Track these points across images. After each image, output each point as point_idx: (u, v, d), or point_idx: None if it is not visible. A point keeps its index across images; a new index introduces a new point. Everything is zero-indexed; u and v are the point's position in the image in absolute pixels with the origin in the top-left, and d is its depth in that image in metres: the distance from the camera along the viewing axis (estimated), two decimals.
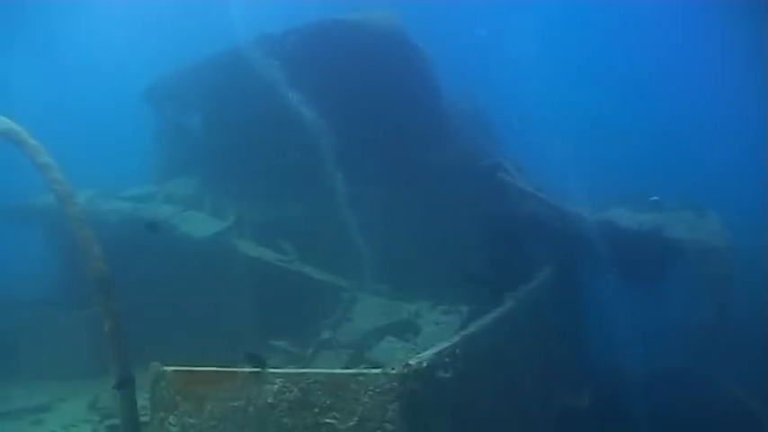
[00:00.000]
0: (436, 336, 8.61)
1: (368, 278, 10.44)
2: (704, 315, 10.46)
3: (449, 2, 18.29)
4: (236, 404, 5.03)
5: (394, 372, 4.75)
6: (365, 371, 4.88)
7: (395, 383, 4.73)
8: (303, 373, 4.94)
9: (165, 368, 5.33)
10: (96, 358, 10.49)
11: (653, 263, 10.73)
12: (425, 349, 8.14)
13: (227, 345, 10.05)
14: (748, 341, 10.69)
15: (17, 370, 10.40)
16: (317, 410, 4.81)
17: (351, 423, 4.65)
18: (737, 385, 10.76)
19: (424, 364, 5.02)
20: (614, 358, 11.38)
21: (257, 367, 5.01)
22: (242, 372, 5.09)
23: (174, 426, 5.18)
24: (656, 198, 11.63)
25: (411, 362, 4.95)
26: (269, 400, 4.94)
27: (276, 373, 4.98)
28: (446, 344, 5.52)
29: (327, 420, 4.72)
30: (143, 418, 6.13)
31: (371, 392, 4.74)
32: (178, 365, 5.36)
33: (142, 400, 8.42)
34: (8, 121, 6.45)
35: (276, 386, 4.94)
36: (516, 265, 10.11)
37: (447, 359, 5.37)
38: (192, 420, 5.12)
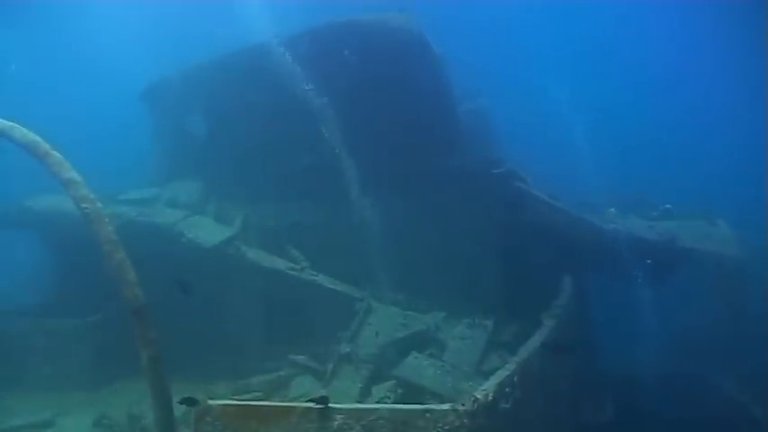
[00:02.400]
0: (463, 351, 8.47)
1: (384, 287, 10.20)
2: (718, 322, 10.52)
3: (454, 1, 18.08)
4: None
5: (464, 408, 4.57)
6: (433, 407, 4.68)
7: (465, 420, 4.57)
8: (366, 408, 4.72)
9: (212, 402, 5.03)
10: (99, 369, 10.30)
11: (667, 272, 10.72)
12: (453, 366, 8.11)
13: (236, 357, 9.88)
14: (754, 342, 10.73)
15: (17, 381, 9.91)
16: None
17: None
18: (745, 390, 10.84)
19: (490, 397, 4.84)
20: (628, 365, 11.40)
21: (319, 404, 4.74)
22: (298, 407, 4.82)
23: None
24: (668, 206, 11.64)
25: (478, 395, 4.76)
26: None
27: (337, 408, 4.72)
28: (505, 372, 5.35)
29: None
30: None
31: (440, 429, 4.55)
32: (227, 399, 5.07)
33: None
34: (29, 132, 6.02)
35: (336, 422, 4.70)
36: (532, 273, 10.03)
37: (507, 389, 5.20)
38: None
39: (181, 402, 5.11)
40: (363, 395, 8.00)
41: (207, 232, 10.81)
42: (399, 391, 7.77)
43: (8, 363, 10.01)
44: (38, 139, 6.02)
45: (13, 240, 12.92)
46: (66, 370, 10.27)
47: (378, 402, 7.46)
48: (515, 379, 5.40)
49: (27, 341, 10.45)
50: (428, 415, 4.59)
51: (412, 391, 7.66)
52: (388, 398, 7.62)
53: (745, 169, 14.93)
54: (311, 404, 4.78)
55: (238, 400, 7.48)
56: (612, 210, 11.22)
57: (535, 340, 6.51)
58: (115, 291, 5.75)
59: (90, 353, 10.45)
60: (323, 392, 5.09)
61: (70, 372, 10.24)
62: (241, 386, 9.36)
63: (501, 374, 5.37)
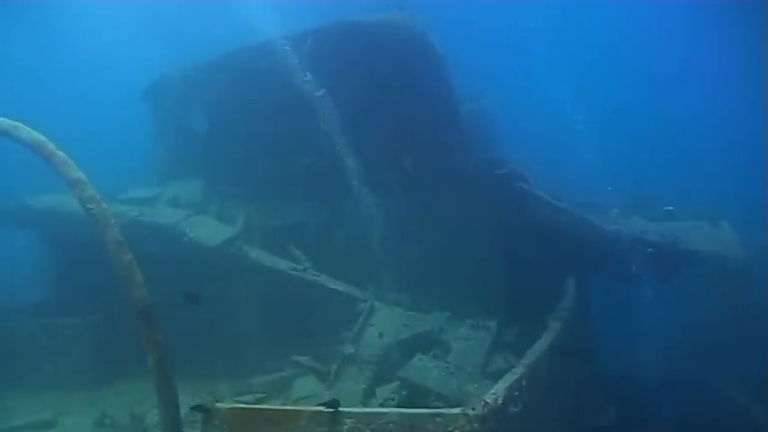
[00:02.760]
0: (468, 353, 8.44)
1: (387, 288, 10.18)
2: (721, 323, 10.53)
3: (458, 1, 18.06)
4: None
5: (474, 412, 4.54)
6: (443, 411, 4.65)
7: (475, 424, 4.54)
8: (376, 412, 4.69)
9: (219, 405, 4.99)
10: (100, 368, 10.26)
11: (670, 273, 10.74)
12: (458, 368, 8.08)
13: (238, 357, 9.84)
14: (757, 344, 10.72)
15: (17, 381, 9.85)
16: None
17: None
18: (748, 392, 10.85)
19: (500, 401, 4.82)
20: (630, 366, 11.41)
21: (329, 408, 4.71)
22: (307, 410, 4.78)
23: None
24: (670, 208, 11.65)
25: (488, 399, 4.74)
26: None
27: (346, 412, 4.69)
28: (514, 376, 5.33)
29: None
30: None
31: None
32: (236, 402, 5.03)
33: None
34: (34, 131, 5.96)
35: (345, 426, 4.66)
36: (534, 274, 10.02)
37: (516, 393, 5.18)
38: None
39: (193, 409, 5.06)
40: (367, 396, 7.97)
41: (209, 232, 10.75)
42: (404, 392, 7.74)
43: (9, 362, 9.96)
44: (43, 138, 5.96)
45: (14, 239, 12.85)
46: (67, 369, 10.24)
47: (382, 404, 7.45)
48: (524, 382, 5.39)
49: (28, 340, 10.40)
50: (438, 419, 4.56)
51: (416, 393, 7.63)
52: (393, 399, 7.60)
53: (748, 170, 14.93)
54: (321, 408, 4.75)
55: (244, 402, 7.47)
56: (615, 210, 11.23)
57: (542, 343, 6.49)
58: (119, 291, 5.71)
59: (91, 352, 10.41)
60: (332, 396, 5.03)
61: (71, 371, 10.20)
62: (243, 386, 9.31)
63: (510, 378, 5.35)
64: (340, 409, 4.71)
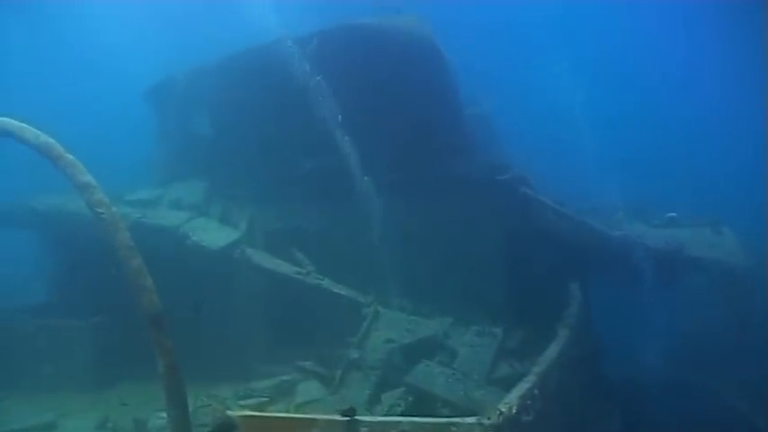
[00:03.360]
0: (473, 359, 8.42)
1: (390, 292, 10.15)
2: (724, 330, 10.55)
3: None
4: None
5: (490, 421, 4.52)
6: (457, 420, 4.62)
7: None
8: (390, 421, 4.65)
9: (230, 413, 4.95)
10: (102, 371, 10.19)
11: (673, 279, 10.75)
12: (464, 374, 8.06)
13: (241, 360, 9.80)
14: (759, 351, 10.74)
15: (18, 383, 9.76)
16: None
17: None
18: (750, 399, 10.87)
19: (514, 410, 4.80)
20: (632, 372, 11.42)
21: (345, 416, 4.67)
22: (321, 419, 4.74)
23: None
24: (672, 214, 11.68)
25: (502, 408, 4.71)
26: None
27: (360, 420, 4.66)
28: (526, 385, 5.31)
29: None
30: None
31: None
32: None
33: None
34: (42, 133, 5.87)
35: None
36: (538, 279, 10.02)
37: (529, 402, 5.16)
38: None
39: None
40: (372, 402, 7.93)
41: (212, 235, 10.68)
42: (410, 398, 7.70)
43: (10, 363, 9.88)
44: (51, 140, 5.87)
45: (16, 240, 12.77)
46: (68, 371, 10.16)
47: (388, 410, 7.41)
48: (536, 391, 5.37)
49: (29, 342, 10.33)
50: (453, 428, 4.53)
51: (423, 399, 7.60)
52: (399, 405, 7.56)
53: (750, 176, 14.99)
54: (335, 416, 4.72)
55: (246, 406, 7.42)
56: (620, 213, 11.24)
57: (552, 351, 6.47)
58: (122, 293, 5.64)
59: (93, 354, 10.34)
60: (336, 401, 5.00)
61: (73, 373, 10.13)
62: (245, 390, 9.26)
63: (522, 386, 5.33)
64: (357, 417, 4.67)
